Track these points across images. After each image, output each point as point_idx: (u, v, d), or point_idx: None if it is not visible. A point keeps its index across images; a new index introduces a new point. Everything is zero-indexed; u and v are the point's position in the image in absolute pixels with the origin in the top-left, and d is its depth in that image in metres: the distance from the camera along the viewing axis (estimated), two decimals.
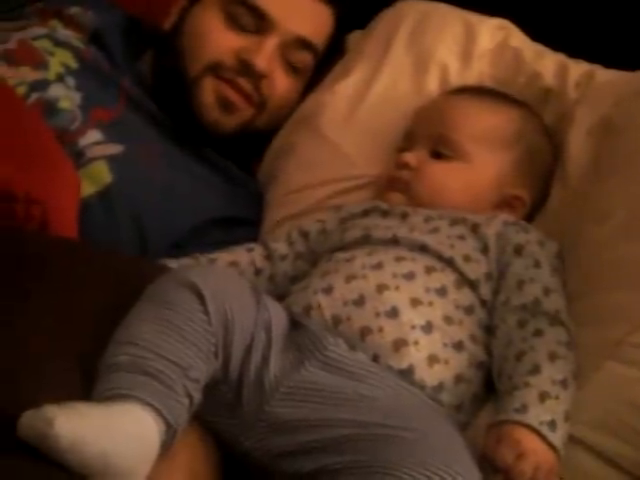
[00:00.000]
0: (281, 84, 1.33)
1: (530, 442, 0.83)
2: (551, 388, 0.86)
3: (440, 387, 0.92)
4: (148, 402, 0.79)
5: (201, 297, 0.87)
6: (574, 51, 1.29)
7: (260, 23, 1.29)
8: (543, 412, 0.84)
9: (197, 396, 0.84)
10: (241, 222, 1.29)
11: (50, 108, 1.20)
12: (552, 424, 0.84)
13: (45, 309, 0.85)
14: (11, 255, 0.89)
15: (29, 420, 0.73)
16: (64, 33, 1.32)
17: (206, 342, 0.86)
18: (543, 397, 0.85)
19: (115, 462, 0.75)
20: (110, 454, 0.75)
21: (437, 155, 1.14)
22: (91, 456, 0.74)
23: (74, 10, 1.36)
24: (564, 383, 0.88)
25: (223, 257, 1.14)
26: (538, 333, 0.92)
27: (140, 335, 0.83)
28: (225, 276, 0.96)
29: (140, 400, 0.78)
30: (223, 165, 1.33)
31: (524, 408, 0.84)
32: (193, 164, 1.30)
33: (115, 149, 1.21)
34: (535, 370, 0.88)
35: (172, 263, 1.09)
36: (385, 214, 1.11)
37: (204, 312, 0.87)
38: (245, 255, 1.15)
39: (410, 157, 1.14)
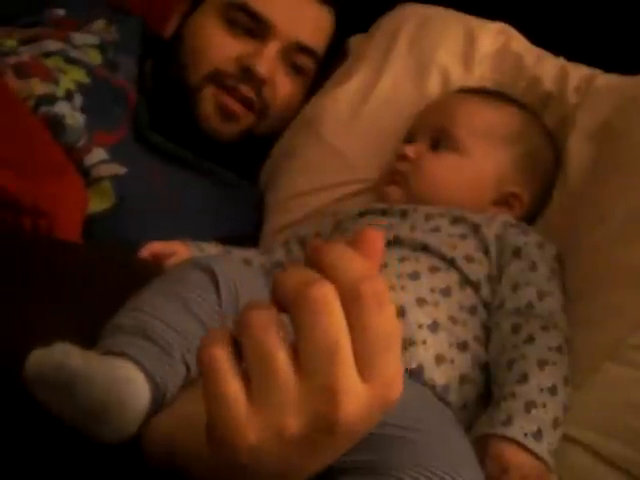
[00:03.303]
0: (283, 89, 1.33)
1: (514, 455, 0.84)
2: (538, 396, 0.87)
3: (447, 387, 0.92)
4: (140, 362, 0.77)
5: (215, 280, 0.86)
6: (574, 55, 1.29)
7: (260, 29, 1.29)
8: (528, 422, 0.85)
9: (195, 369, 0.82)
10: (241, 238, 1.27)
11: (57, 123, 1.19)
12: (538, 434, 0.84)
13: (45, 311, 0.86)
14: (14, 257, 0.90)
15: (41, 354, 0.73)
16: (79, 38, 1.32)
17: (212, 321, 0.85)
18: (529, 407, 0.86)
19: (115, 410, 0.74)
20: (113, 401, 0.74)
21: (436, 148, 1.15)
22: (98, 396, 0.73)
23: (98, 26, 1.37)
24: (553, 390, 0.88)
25: (238, 253, 1.15)
26: (530, 339, 0.92)
27: (148, 303, 0.83)
28: (241, 267, 0.96)
29: (133, 359, 0.77)
30: (223, 176, 1.33)
31: (509, 420, 0.85)
32: (194, 183, 1.29)
33: (119, 170, 1.21)
34: (523, 379, 0.88)
35: (193, 245, 1.12)
36: (384, 213, 1.11)
37: (216, 293, 0.86)
38: (258, 257, 1.16)
39: (409, 149, 1.15)
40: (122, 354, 0.78)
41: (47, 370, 0.73)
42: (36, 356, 0.74)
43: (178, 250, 1.11)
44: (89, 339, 0.82)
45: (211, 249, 1.14)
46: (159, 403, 0.79)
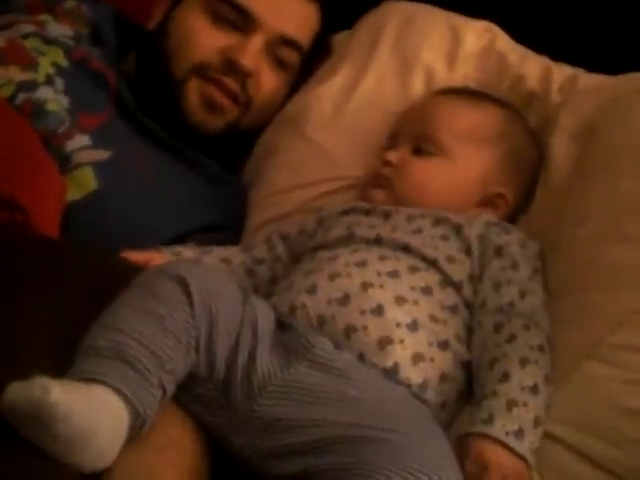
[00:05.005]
0: (267, 82, 1.33)
1: (494, 454, 0.84)
2: (519, 395, 0.87)
3: (425, 385, 0.93)
4: (119, 389, 0.80)
5: (187, 291, 0.88)
6: (557, 54, 1.29)
7: (245, 21, 1.29)
8: (509, 421, 0.86)
9: (170, 389, 0.85)
10: (223, 228, 1.28)
11: (38, 109, 1.19)
12: (519, 432, 0.85)
13: (23, 308, 0.86)
14: None
15: (21, 389, 0.73)
16: (55, 29, 1.31)
17: (186, 335, 0.87)
18: (510, 405, 0.86)
19: (96, 440, 0.76)
20: (94, 431, 0.76)
21: (419, 152, 1.14)
22: (79, 430, 0.75)
23: (68, 5, 1.36)
24: (534, 389, 0.89)
25: (218, 252, 1.15)
26: (511, 338, 0.93)
27: (123, 321, 0.84)
28: (214, 274, 0.96)
29: (112, 386, 0.79)
30: (208, 167, 1.33)
31: (490, 419, 0.86)
32: (179, 169, 1.29)
33: (102, 155, 1.21)
34: (504, 378, 0.89)
35: (169, 251, 1.12)
36: (367, 213, 1.11)
37: (189, 305, 0.88)
38: (238, 255, 1.16)
39: (392, 155, 1.15)
40: (101, 381, 0.79)
41: (26, 407, 0.73)
42: (14, 390, 0.74)
43: (154, 259, 1.10)
44: (65, 338, 0.82)
45: (187, 253, 1.14)
46: (138, 429, 0.82)
